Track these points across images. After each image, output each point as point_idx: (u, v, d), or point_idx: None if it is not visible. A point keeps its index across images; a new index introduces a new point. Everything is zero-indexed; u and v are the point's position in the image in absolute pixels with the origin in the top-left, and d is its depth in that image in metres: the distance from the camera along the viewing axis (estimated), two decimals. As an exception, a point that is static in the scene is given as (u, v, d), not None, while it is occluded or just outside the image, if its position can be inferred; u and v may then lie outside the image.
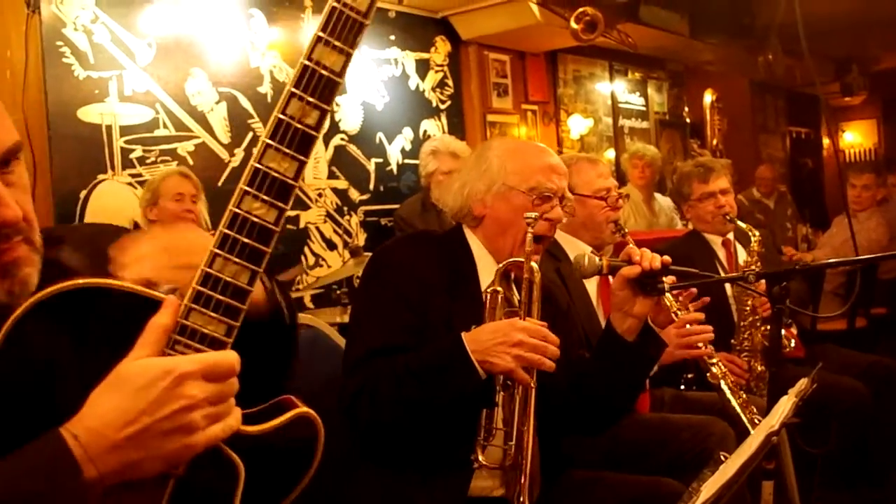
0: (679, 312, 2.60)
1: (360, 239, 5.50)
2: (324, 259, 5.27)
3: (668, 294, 2.20)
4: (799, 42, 2.75)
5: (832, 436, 3.43)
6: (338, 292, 4.76)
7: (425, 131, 6.05)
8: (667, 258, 2.01)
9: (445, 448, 1.95)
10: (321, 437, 1.26)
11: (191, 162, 4.54)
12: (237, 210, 1.12)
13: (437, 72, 6.21)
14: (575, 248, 2.93)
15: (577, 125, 7.45)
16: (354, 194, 5.51)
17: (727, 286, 3.55)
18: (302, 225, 5.16)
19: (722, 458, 1.72)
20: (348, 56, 1.14)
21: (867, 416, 3.53)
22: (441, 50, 6.25)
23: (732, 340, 3.40)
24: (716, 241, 3.70)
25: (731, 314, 3.50)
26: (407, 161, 5.86)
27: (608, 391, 2.10)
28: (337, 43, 1.13)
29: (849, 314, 5.47)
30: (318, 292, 5.08)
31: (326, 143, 5.33)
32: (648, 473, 2.62)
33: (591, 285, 2.94)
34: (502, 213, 2.12)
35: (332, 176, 5.36)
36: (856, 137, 12.35)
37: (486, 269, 2.13)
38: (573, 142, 7.38)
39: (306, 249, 5.18)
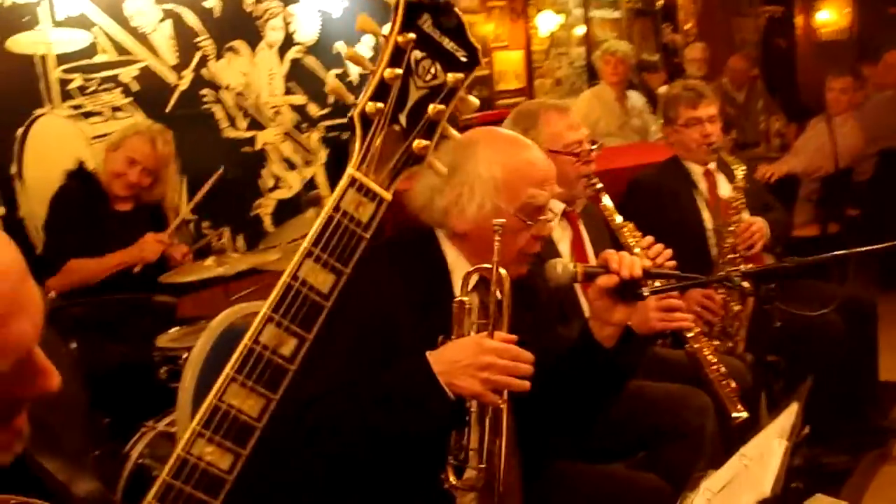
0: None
1: (322, 156, 5.26)
2: (283, 180, 5.05)
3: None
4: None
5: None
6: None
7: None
8: (647, 263, 1.86)
9: (417, 474, 1.83)
10: None
11: (136, 88, 4.24)
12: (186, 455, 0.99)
13: (398, -29, 5.83)
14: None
15: (546, 22, 7.14)
16: (313, 109, 5.24)
17: (706, 221, 3.45)
18: (258, 146, 4.90)
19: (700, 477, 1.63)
20: (340, 275, 0.98)
21: (843, 353, 3.48)
22: (401, -54, 5.87)
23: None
24: (697, 171, 3.54)
25: (708, 252, 3.40)
26: (369, 70, 5.57)
27: (585, 398, 1.98)
28: (329, 259, 0.97)
29: (821, 219, 5.43)
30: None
31: (282, 57, 5.03)
32: (626, 447, 2.57)
33: (564, 247, 2.78)
34: (491, 234, 1.86)
35: (288, 92, 5.07)
36: (831, 16, 12.05)
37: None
38: (542, 39, 7.08)
39: (263, 171, 4.95)
